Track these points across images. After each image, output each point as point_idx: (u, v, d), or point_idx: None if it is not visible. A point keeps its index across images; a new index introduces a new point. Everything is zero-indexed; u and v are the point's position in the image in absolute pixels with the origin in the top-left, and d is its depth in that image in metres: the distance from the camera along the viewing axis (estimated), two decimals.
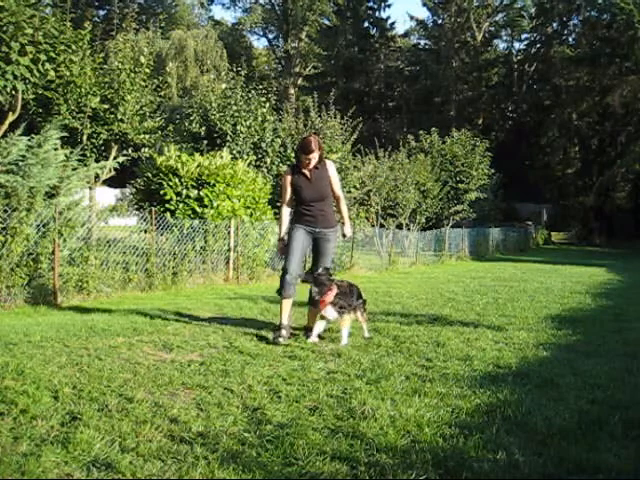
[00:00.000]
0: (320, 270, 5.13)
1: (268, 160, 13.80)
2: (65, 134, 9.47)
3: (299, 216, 5.29)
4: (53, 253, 7.28)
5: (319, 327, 5.13)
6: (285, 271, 5.18)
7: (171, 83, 30.94)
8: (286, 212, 5.36)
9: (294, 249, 5.20)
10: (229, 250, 9.90)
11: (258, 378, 3.79)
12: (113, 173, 11.28)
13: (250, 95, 14.17)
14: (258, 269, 10.40)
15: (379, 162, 17.29)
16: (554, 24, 41.02)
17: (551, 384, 3.80)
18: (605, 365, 4.39)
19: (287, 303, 5.22)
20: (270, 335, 5.09)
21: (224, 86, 14.64)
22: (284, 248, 5.28)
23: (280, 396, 3.44)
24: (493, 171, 22.55)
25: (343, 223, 5.50)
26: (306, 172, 5.19)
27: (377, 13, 44.29)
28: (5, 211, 6.89)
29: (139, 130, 11.81)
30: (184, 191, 9.87)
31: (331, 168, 5.28)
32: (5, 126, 9.05)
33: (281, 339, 4.94)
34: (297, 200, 5.30)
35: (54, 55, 9.04)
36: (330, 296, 4.97)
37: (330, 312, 5.01)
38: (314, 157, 5.10)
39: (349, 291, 5.18)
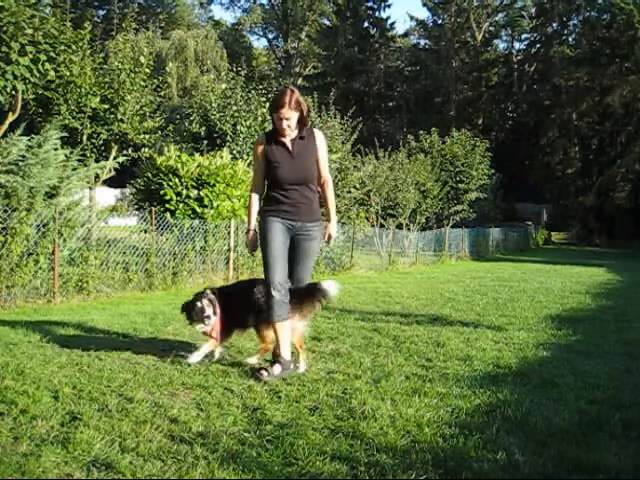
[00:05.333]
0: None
1: None
2: (65, 134, 9.46)
3: (273, 204, 3.94)
4: (53, 253, 7.27)
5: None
6: (269, 285, 3.84)
7: (171, 83, 30.97)
8: (255, 199, 4.04)
9: (274, 252, 3.87)
10: (229, 250, 9.90)
11: None
12: (113, 173, 11.27)
13: (250, 95, 14.16)
14: (258, 269, 10.40)
15: (379, 162, 17.29)
16: (554, 24, 41.02)
17: (551, 384, 3.80)
18: (605, 365, 4.39)
19: (281, 327, 3.87)
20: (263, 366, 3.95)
21: (224, 86, 14.64)
22: (254, 243, 4.08)
23: (280, 396, 3.44)
24: (493, 171, 22.52)
25: (327, 219, 4.09)
26: (286, 142, 3.89)
27: (377, 13, 44.27)
28: (5, 211, 6.89)
29: (139, 130, 11.81)
30: (184, 191, 9.86)
31: (320, 140, 3.98)
32: (5, 126, 9.05)
33: (266, 375, 3.75)
34: (271, 181, 3.95)
35: (54, 55, 9.03)
36: None
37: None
38: (289, 116, 3.79)
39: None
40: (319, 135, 4.02)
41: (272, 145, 3.91)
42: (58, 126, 8.60)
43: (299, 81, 43.64)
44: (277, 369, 3.81)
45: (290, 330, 3.93)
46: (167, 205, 9.67)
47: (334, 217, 4.09)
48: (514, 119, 42.65)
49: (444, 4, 41.87)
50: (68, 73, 10.63)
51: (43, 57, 8.23)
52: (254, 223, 4.07)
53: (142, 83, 11.82)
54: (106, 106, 11.18)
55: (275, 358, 3.93)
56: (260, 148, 3.95)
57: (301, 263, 3.97)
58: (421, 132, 21.89)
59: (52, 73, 8.94)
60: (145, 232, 9.01)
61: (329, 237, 4.08)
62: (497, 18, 43.66)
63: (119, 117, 11.34)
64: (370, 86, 43.83)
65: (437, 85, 41.39)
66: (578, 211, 34.94)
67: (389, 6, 50.50)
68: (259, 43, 69.37)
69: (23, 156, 7.35)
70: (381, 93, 44.90)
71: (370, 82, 43.76)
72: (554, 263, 18.01)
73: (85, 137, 11.14)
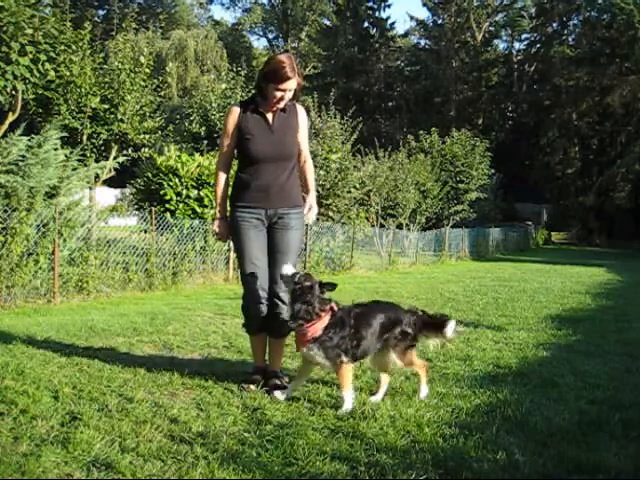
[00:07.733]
0: (298, 274, 3.21)
1: None
2: (65, 134, 9.47)
3: (241, 191, 3.48)
4: (53, 253, 7.27)
5: (298, 380, 3.44)
6: (249, 293, 3.50)
7: (171, 83, 31.00)
8: (222, 178, 3.57)
9: (250, 258, 3.43)
10: (229, 250, 9.89)
11: None
12: (113, 173, 11.28)
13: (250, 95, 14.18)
14: None
15: (379, 162, 17.30)
16: (554, 24, 41.09)
17: (551, 384, 3.79)
18: (605, 365, 4.39)
19: (259, 340, 3.66)
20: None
21: (224, 86, 14.66)
22: (224, 233, 3.59)
23: None
24: (493, 171, 22.53)
25: (304, 202, 3.57)
26: (267, 114, 3.44)
27: (377, 13, 44.33)
28: (5, 211, 6.89)
29: (139, 130, 11.81)
30: (184, 191, 9.87)
31: (302, 117, 3.58)
32: (5, 126, 9.05)
33: (253, 386, 3.49)
34: (241, 159, 3.51)
35: (54, 55, 9.04)
36: (317, 327, 3.14)
37: (317, 353, 3.18)
38: (291, 88, 3.34)
39: (369, 318, 3.27)
40: (302, 111, 3.59)
41: (248, 115, 3.43)
42: (58, 126, 8.60)
43: None
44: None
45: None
46: (167, 205, 9.68)
47: (313, 199, 3.57)
48: (514, 119, 42.69)
49: (444, 4, 41.92)
50: (68, 73, 10.63)
51: (43, 57, 8.24)
52: (223, 210, 3.59)
53: (142, 83, 11.82)
54: (106, 106, 11.19)
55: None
56: (233, 117, 3.45)
57: (278, 258, 3.42)
58: (421, 132, 21.91)
59: (52, 73, 8.94)
60: (145, 232, 9.01)
61: (309, 210, 3.53)
62: (497, 18, 43.71)
63: (119, 117, 11.35)
64: (370, 86, 43.84)
65: (437, 85, 41.44)
66: (578, 211, 34.97)
67: (389, 6, 50.60)
68: (259, 43, 69.38)
69: (23, 156, 7.35)
70: (381, 93, 44.92)
71: (370, 82, 43.77)
72: (554, 263, 18.01)
73: (85, 137, 11.14)
